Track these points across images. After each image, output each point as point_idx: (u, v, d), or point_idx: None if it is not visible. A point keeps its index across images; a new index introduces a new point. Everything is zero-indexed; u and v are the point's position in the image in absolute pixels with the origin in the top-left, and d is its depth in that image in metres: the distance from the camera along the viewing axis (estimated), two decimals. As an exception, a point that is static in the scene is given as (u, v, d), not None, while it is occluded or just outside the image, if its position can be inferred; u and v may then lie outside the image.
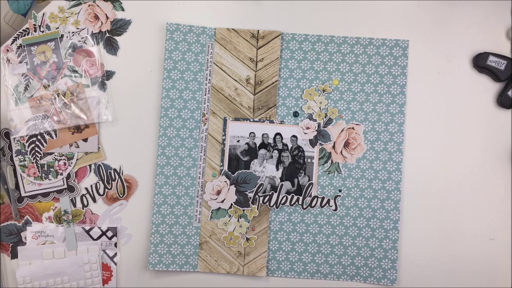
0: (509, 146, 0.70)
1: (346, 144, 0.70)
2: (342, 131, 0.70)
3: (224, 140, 0.70)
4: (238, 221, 0.69)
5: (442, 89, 0.71)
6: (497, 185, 0.70)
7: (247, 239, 0.69)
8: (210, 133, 0.70)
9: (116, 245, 0.70)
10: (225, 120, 0.70)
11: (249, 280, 0.69)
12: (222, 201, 0.69)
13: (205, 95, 0.70)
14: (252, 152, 0.70)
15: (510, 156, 0.70)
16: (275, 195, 0.69)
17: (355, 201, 0.69)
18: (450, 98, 0.71)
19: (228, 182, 0.69)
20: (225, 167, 0.69)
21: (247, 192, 0.69)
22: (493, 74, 0.70)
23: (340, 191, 0.69)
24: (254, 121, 0.70)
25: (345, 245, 0.69)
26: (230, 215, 0.69)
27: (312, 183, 0.69)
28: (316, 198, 0.69)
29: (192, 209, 0.69)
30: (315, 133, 0.70)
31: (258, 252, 0.69)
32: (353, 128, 0.70)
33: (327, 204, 0.69)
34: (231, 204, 0.69)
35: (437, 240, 0.70)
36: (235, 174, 0.69)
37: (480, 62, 0.69)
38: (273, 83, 0.70)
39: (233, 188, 0.69)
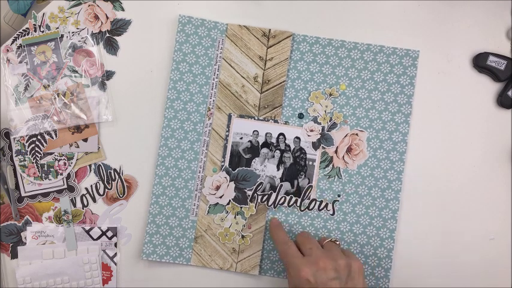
0: (509, 146, 0.70)
1: (349, 150, 0.69)
2: (346, 136, 0.69)
3: (227, 136, 0.69)
4: (235, 217, 0.69)
5: (442, 89, 0.70)
6: (497, 185, 0.70)
7: (243, 237, 0.69)
8: (213, 128, 0.69)
9: (116, 245, 0.70)
10: (229, 116, 0.70)
11: (242, 277, 0.69)
12: (221, 197, 0.69)
13: (212, 89, 0.70)
14: (254, 150, 0.70)
15: (510, 156, 0.70)
16: (274, 195, 0.69)
17: (353, 207, 0.69)
18: (450, 98, 0.70)
19: (228, 178, 0.69)
20: (226, 163, 0.69)
21: (246, 190, 0.69)
22: (493, 74, 0.69)
23: (339, 196, 0.69)
24: (259, 119, 0.70)
25: None
26: (227, 211, 0.69)
27: (311, 186, 0.69)
28: (314, 201, 0.69)
29: (190, 202, 0.69)
30: (319, 136, 0.70)
31: (252, 250, 0.69)
32: (357, 134, 0.69)
33: (325, 208, 0.69)
34: (229, 200, 0.69)
35: (438, 240, 0.69)
36: (236, 171, 0.69)
37: (480, 62, 0.69)
38: (281, 83, 0.70)
39: (232, 185, 0.69)
